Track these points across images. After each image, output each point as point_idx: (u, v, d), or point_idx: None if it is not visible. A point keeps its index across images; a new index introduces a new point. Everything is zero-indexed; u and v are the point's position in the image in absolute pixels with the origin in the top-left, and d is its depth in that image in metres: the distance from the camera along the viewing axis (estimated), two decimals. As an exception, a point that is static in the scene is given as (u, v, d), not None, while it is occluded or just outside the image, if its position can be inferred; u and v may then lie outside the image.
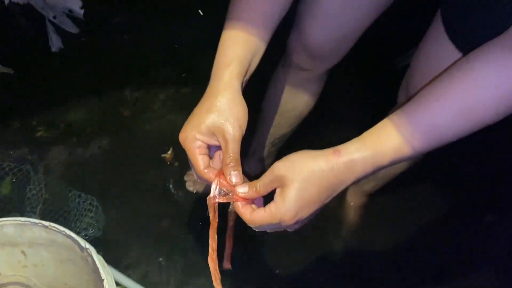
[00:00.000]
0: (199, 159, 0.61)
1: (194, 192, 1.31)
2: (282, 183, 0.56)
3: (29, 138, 1.36)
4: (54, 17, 0.95)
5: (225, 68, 0.62)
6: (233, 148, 0.60)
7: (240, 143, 0.61)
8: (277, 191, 0.58)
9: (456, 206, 1.33)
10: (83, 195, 1.23)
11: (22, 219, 0.80)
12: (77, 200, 1.23)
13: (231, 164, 0.59)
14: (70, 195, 1.24)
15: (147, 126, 1.43)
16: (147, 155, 1.36)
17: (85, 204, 1.22)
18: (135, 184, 1.32)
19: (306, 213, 0.57)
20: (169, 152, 1.36)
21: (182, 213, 1.28)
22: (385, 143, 0.56)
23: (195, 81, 1.48)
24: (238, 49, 0.63)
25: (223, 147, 0.61)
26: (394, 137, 0.56)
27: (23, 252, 0.87)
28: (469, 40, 0.66)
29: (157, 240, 1.24)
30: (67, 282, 0.94)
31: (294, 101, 1.08)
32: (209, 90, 0.63)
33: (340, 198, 1.28)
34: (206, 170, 0.61)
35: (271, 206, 0.57)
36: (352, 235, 1.29)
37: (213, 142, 0.62)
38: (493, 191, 1.35)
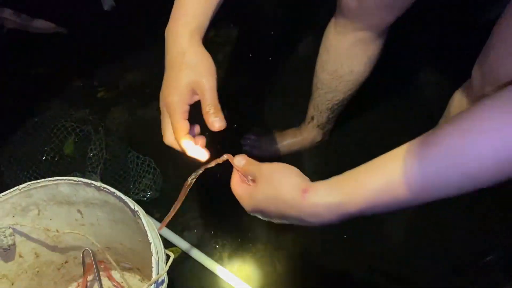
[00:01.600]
0: (183, 124, 0.63)
1: (251, 155, 1.28)
2: (258, 180, 0.60)
3: (90, 98, 1.40)
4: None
5: (185, 27, 0.62)
6: (212, 96, 0.62)
7: (216, 91, 0.63)
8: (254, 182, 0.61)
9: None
10: (141, 156, 1.25)
11: (75, 178, 0.82)
12: (135, 162, 1.25)
13: (211, 111, 0.62)
14: (129, 156, 1.26)
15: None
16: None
17: (144, 165, 1.24)
18: None
19: (264, 215, 0.62)
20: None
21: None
22: (356, 190, 0.49)
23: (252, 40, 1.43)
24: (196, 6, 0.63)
25: (202, 98, 0.63)
26: (367, 185, 0.49)
27: (79, 211, 0.89)
28: None
29: (213, 206, 1.23)
30: (122, 241, 0.96)
31: (350, 64, 1.01)
32: (172, 49, 0.63)
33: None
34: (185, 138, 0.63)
35: (246, 188, 0.63)
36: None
37: (194, 99, 0.64)
38: None
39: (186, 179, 0.70)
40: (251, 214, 0.64)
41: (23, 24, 1.01)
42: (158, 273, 0.75)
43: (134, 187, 1.22)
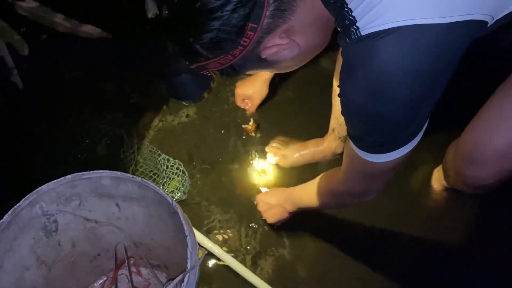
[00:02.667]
0: (237, 101, 1.44)
1: (275, 163, 1.35)
2: None
3: (124, 103, 1.46)
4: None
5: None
6: (254, 105, 1.41)
7: (258, 104, 1.42)
8: None
9: None
10: (171, 159, 1.31)
11: (118, 173, 0.88)
12: (165, 164, 1.31)
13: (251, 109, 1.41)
14: (159, 159, 1.32)
15: (231, 98, 1.48)
16: (230, 126, 1.42)
17: (173, 168, 1.30)
18: (219, 153, 1.38)
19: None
20: (251, 123, 1.40)
21: (263, 184, 1.33)
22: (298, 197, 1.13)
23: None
24: None
25: (251, 103, 1.42)
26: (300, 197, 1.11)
27: (117, 204, 0.95)
28: None
29: (238, 209, 1.29)
30: (154, 237, 1.02)
31: None
32: (254, 76, 1.39)
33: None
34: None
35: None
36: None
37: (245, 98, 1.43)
38: None
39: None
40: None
41: (73, 29, 1.09)
42: (191, 265, 0.80)
43: (163, 188, 1.28)
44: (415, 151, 0.74)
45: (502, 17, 0.67)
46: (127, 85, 1.50)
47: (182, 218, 0.83)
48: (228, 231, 1.26)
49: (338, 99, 1.11)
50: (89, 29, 1.09)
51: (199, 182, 1.33)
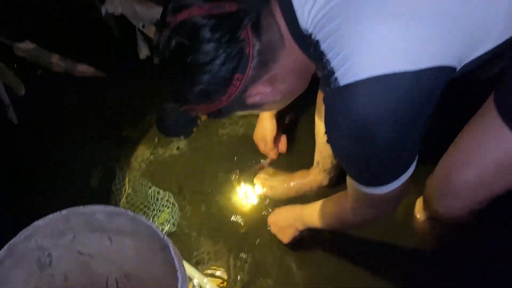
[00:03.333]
0: (271, 152, 1.41)
1: (263, 194, 1.39)
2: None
3: (117, 137, 1.52)
4: (143, 26, 1.08)
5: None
6: (269, 145, 1.38)
7: (272, 143, 1.39)
8: None
9: None
10: (161, 191, 1.36)
11: (112, 208, 0.92)
12: (155, 196, 1.35)
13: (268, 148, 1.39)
14: (150, 191, 1.37)
15: (220, 131, 1.52)
16: (220, 158, 1.46)
17: (163, 200, 1.35)
18: (209, 184, 1.42)
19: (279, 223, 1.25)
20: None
21: (252, 214, 1.37)
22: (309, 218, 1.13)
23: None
24: None
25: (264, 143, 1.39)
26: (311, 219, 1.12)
27: (109, 238, 0.98)
28: None
29: (227, 239, 1.32)
30: (144, 270, 1.04)
31: None
32: (261, 115, 1.38)
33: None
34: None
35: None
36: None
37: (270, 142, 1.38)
38: None
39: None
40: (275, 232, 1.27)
41: (68, 68, 1.15)
42: (182, 298, 0.84)
43: (153, 220, 1.32)
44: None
45: (469, 62, 0.73)
46: (119, 119, 1.55)
47: (173, 253, 0.87)
48: (218, 262, 1.29)
49: (321, 133, 1.20)
50: (83, 69, 1.15)
51: (189, 214, 1.37)
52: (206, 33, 0.68)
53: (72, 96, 1.57)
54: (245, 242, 1.31)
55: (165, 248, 0.88)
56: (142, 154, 1.49)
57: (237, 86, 0.72)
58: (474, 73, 0.78)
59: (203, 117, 1.54)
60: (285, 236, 1.23)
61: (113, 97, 1.59)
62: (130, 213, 0.91)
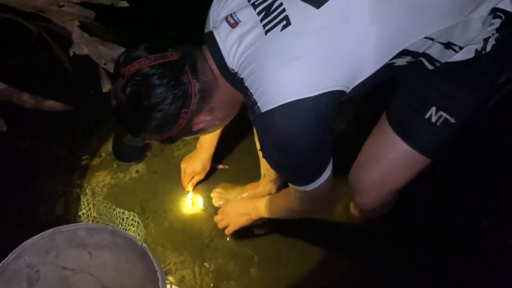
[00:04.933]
0: (187, 185, 1.55)
1: (220, 206, 1.54)
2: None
3: (77, 165, 1.62)
4: (105, 64, 1.23)
5: (205, 148, 1.50)
6: (199, 179, 1.56)
7: (203, 176, 1.58)
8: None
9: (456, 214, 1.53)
10: (126, 212, 1.47)
11: (92, 224, 1.06)
12: (121, 217, 1.47)
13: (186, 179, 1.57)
14: (114, 213, 1.48)
15: (176, 152, 1.67)
16: (177, 177, 1.59)
17: (128, 219, 1.46)
18: (169, 202, 1.56)
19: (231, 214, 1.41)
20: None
21: (211, 225, 1.51)
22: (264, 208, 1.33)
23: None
24: (211, 143, 1.48)
25: (196, 179, 1.56)
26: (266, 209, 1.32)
27: (89, 253, 1.09)
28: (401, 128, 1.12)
29: (191, 250, 1.46)
30: (123, 281, 1.17)
31: None
32: (196, 153, 1.53)
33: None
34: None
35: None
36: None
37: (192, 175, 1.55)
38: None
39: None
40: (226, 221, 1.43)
41: (38, 104, 1.27)
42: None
43: None
44: (338, 186, 1.07)
45: (355, 86, 0.96)
46: (78, 149, 1.67)
47: (151, 257, 1.02)
48: (184, 271, 1.43)
49: (260, 151, 1.41)
50: (52, 104, 1.28)
51: (153, 231, 1.50)
52: (156, 80, 0.87)
53: (28, 131, 1.66)
54: (208, 250, 1.45)
55: (144, 254, 1.02)
56: (103, 179, 1.60)
57: (184, 118, 0.93)
58: (365, 93, 1.03)
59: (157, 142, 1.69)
60: (235, 224, 1.40)
61: (69, 127, 1.70)
62: (109, 227, 1.05)
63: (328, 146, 1.00)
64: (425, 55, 0.98)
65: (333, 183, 1.07)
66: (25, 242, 1.01)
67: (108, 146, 1.68)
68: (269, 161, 1.02)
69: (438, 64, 1.01)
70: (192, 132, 1.01)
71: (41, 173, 1.58)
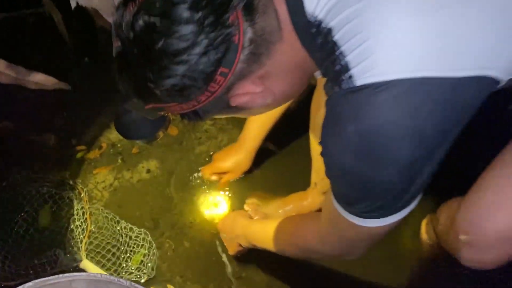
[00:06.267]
0: (207, 174, 1.32)
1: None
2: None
3: (69, 159, 1.35)
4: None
5: (251, 140, 1.27)
6: (231, 178, 1.32)
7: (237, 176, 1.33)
8: None
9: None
10: (134, 228, 1.20)
11: (98, 275, 0.74)
12: (127, 234, 1.19)
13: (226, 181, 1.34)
14: (118, 227, 1.20)
15: (198, 148, 1.40)
16: (200, 179, 1.34)
17: (137, 239, 1.18)
18: (190, 214, 1.29)
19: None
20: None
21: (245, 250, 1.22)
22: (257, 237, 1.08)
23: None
24: (259, 133, 1.26)
25: (226, 178, 1.32)
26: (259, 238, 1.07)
27: None
28: None
29: (219, 283, 1.18)
30: None
31: None
32: (237, 145, 1.30)
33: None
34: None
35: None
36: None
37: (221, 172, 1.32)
38: None
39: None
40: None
41: (19, 79, 0.92)
42: None
43: (126, 265, 1.15)
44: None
45: None
46: (71, 136, 1.39)
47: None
48: None
49: (317, 150, 1.07)
50: (41, 79, 0.93)
51: (169, 253, 1.22)
52: (184, 12, 0.56)
53: (6, 109, 1.37)
54: (242, 283, 1.18)
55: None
56: (104, 179, 1.33)
57: (220, 82, 0.61)
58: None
59: (174, 131, 1.40)
60: (229, 248, 1.20)
61: (60, 107, 1.41)
62: (124, 282, 0.72)
63: (435, 168, 0.65)
64: None
65: None
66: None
67: (111, 134, 1.40)
68: (330, 162, 0.67)
69: None
70: (228, 109, 0.68)
71: (18, 168, 1.30)
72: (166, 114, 0.72)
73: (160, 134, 0.78)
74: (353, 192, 0.67)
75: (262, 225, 1.09)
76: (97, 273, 0.74)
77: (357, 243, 0.78)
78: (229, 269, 1.20)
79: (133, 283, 0.73)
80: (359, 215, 0.69)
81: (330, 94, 0.63)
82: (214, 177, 1.32)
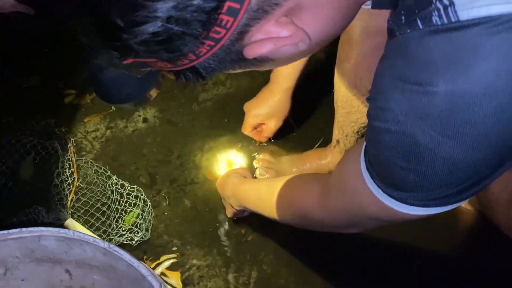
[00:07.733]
0: (248, 128, 1.22)
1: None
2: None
3: (56, 104, 1.29)
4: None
5: (284, 79, 1.15)
6: (272, 129, 1.21)
7: (278, 127, 1.20)
8: None
9: None
10: (126, 184, 1.12)
11: (70, 232, 0.64)
12: (118, 191, 1.11)
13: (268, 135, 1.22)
14: (109, 183, 1.12)
15: (202, 94, 1.31)
16: (203, 133, 1.26)
17: (130, 196, 1.10)
18: (190, 170, 1.21)
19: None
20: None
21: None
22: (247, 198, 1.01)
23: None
24: (292, 71, 1.13)
25: (268, 127, 1.21)
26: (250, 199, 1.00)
27: (67, 271, 0.74)
28: None
29: (223, 248, 1.10)
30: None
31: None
32: (270, 87, 1.18)
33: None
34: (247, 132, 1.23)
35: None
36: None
37: (260, 122, 1.21)
38: None
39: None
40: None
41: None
42: None
43: (116, 226, 1.07)
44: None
45: None
46: (58, 78, 1.33)
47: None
48: (211, 282, 1.04)
49: (341, 103, 1.06)
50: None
51: (166, 213, 1.14)
52: None
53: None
54: (247, 248, 1.09)
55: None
56: (95, 128, 1.26)
57: (227, 26, 0.43)
58: None
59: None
60: (226, 210, 1.13)
61: (46, 45, 1.36)
62: (100, 242, 0.63)
63: None
64: None
65: None
66: None
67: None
68: (395, 138, 0.48)
69: None
70: (242, 62, 0.49)
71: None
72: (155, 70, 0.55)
73: (153, 93, 0.62)
74: (410, 175, 0.51)
75: (253, 184, 1.02)
76: (69, 230, 0.64)
77: (376, 222, 0.66)
78: (234, 232, 1.12)
79: (111, 245, 0.63)
80: (404, 201, 0.55)
81: (406, 33, 0.45)
82: (253, 133, 1.24)
